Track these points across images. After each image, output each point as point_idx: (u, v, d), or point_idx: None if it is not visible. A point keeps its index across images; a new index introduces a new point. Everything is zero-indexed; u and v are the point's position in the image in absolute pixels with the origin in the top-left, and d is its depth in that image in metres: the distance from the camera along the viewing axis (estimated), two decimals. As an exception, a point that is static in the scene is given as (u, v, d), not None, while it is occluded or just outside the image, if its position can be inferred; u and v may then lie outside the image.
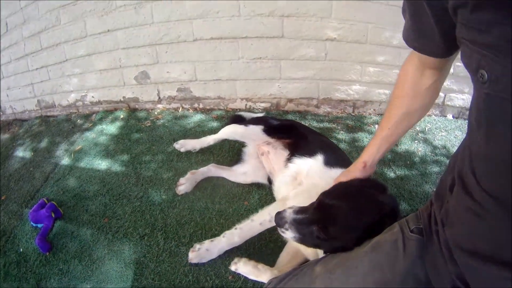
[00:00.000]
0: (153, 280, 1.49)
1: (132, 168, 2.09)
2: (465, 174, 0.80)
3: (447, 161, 2.50)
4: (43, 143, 2.72)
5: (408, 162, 2.41)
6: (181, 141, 2.18)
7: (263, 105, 2.89)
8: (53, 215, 1.75)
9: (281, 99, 2.90)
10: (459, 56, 0.79)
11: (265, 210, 1.60)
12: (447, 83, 3.21)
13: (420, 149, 2.63)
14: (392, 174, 2.21)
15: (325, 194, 1.23)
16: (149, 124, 2.58)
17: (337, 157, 1.82)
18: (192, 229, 1.68)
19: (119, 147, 2.33)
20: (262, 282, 1.41)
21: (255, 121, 2.08)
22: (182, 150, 2.17)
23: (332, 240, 1.17)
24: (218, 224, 1.72)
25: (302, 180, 1.68)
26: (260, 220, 1.55)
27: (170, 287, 1.47)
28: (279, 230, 1.25)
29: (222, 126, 2.42)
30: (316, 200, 1.23)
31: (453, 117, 3.26)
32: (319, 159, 1.75)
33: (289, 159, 1.84)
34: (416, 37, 0.96)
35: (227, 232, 1.56)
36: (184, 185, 1.90)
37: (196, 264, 1.52)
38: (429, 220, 1.02)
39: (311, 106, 2.97)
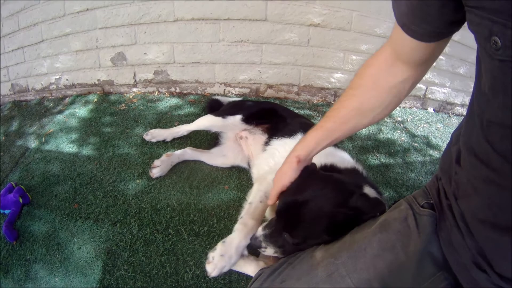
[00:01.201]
0: (127, 271, 1.39)
1: (105, 152, 1.99)
2: (477, 143, 0.75)
3: (431, 152, 2.53)
4: (14, 127, 2.57)
5: (392, 150, 2.40)
6: (151, 131, 2.07)
7: (242, 90, 2.82)
8: (20, 200, 1.64)
9: (261, 84, 2.83)
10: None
11: (254, 189, 1.51)
12: (428, 76, 3.22)
13: (403, 138, 2.63)
14: (376, 162, 2.20)
15: (280, 201, 1.18)
16: (124, 107, 2.47)
17: None
18: (169, 215, 1.60)
19: (91, 131, 2.21)
20: (247, 275, 1.33)
21: (232, 110, 2.01)
22: (153, 141, 2.06)
23: (308, 240, 1.12)
24: (197, 210, 1.65)
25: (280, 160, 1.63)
26: (257, 199, 1.42)
27: (145, 279, 1.37)
28: (260, 251, 1.21)
29: (199, 111, 2.37)
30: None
31: (434, 110, 3.28)
32: (298, 138, 1.71)
33: (267, 143, 1.81)
34: (414, 19, 0.82)
35: (235, 226, 1.33)
36: (158, 167, 1.81)
37: (218, 277, 1.29)
38: (438, 195, 0.96)
39: (292, 93, 2.92)
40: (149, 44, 2.49)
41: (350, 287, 0.93)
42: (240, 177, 1.90)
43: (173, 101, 2.56)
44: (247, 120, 1.94)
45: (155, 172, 1.80)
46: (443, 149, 2.61)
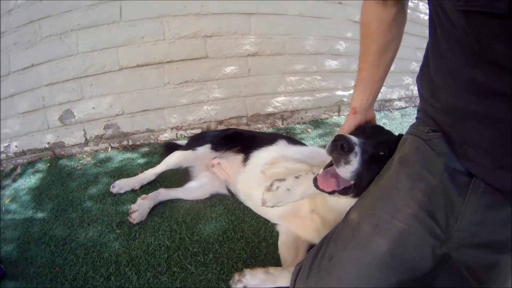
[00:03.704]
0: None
1: (72, 211, 1.77)
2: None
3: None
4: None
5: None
6: (117, 183, 1.92)
7: (194, 131, 2.79)
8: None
9: (211, 122, 2.83)
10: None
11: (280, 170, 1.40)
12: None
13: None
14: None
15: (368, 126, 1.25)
16: (80, 167, 2.28)
17: (295, 141, 1.84)
18: (166, 254, 1.44)
19: (52, 193, 1.98)
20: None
21: (199, 141, 1.97)
22: (122, 192, 1.90)
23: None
24: (194, 242, 1.51)
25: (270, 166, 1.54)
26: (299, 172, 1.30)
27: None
28: (338, 159, 1.04)
29: (156, 160, 2.29)
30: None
31: (375, 111, 3.55)
32: (281, 143, 1.74)
33: (246, 159, 1.78)
34: None
35: (302, 175, 1.25)
36: (137, 211, 1.65)
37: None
38: (436, 123, 1.01)
39: (242, 125, 2.96)
40: (96, 97, 2.38)
41: (400, 227, 0.92)
42: (224, 203, 1.82)
43: (128, 155, 2.42)
44: (216, 147, 1.91)
45: (135, 217, 1.64)
46: None
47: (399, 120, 3.37)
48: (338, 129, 3.01)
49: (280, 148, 1.71)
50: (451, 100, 0.91)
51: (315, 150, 1.66)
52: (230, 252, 1.46)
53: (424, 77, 1.06)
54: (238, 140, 1.94)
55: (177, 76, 2.56)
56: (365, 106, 1.26)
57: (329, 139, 1.22)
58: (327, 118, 3.35)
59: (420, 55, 3.80)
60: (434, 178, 0.94)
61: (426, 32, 3.76)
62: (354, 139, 1.06)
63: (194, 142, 2.01)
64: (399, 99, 3.76)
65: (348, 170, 1.04)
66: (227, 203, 1.82)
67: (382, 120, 3.22)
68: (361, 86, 1.25)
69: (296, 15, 2.89)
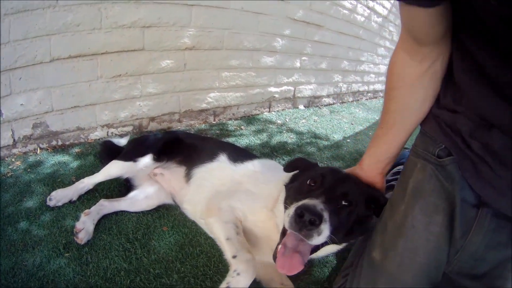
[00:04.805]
0: None
1: (13, 231, 1.50)
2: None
3: (320, 141, 2.88)
4: None
5: (288, 148, 2.62)
6: (54, 194, 1.72)
7: (125, 129, 2.62)
8: None
9: (143, 119, 2.69)
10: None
11: (216, 225, 1.40)
12: (295, 77, 3.64)
13: (291, 137, 2.90)
14: (282, 162, 2.36)
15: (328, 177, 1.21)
16: (10, 174, 1.96)
17: (239, 152, 1.84)
18: (128, 279, 1.33)
19: None
20: None
21: (140, 150, 1.86)
22: (59, 204, 1.71)
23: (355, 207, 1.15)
24: (153, 262, 1.44)
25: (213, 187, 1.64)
26: (232, 232, 1.34)
27: None
28: (309, 235, 1.01)
29: (91, 162, 2.14)
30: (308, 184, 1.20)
31: (304, 107, 3.73)
32: (222, 159, 1.74)
33: (188, 174, 1.77)
34: None
35: (236, 267, 1.18)
36: (83, 230, 1.50)
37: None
38: (448, 136, 1.00)
39: (174, 122, 2.88)
40: (25, 92, 2.00)
41: (423, 262, 0.99)
42: (172, 214, 1.77)
43: (59, 157, 2.15)
44: (158, 157, 1.84)
45: (82, 237, 1.50)
46: (329, 136, 3.09)
47: (328, 117, 3.60)
48: (270, 125, 3.12)
49: (220, 169, 1.71)
50: (478, 104, 0.89)
51: (255, 171, 1.67)
52: (194, 270, 1.44)
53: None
54: (179, 149, 1.88)
55: (111, 69, 2.33)
56: (373, 164, 1.23)
57: (287, 212, 1.10)
58: (258, 114, 3.42)
59: (352, 54, 4.10)
60: (449, 207, 0.97)
61: (360, 32, 4.04)
62: (318, 206, 1.03)
63: (133, 150, 1.91)
64: (328, 96, 4.00)
65: (322, 237, 1.02)
66: (175, 213, 1.78)
67: (312, 116, 3.41)
68: (372, 142, 1.23)
69: (238, 9, 2.85)
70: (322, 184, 1.19)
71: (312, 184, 1.21)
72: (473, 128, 0.91)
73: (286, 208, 1.17)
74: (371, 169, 1.24)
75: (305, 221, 0.99)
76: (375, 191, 1.27)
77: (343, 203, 1.14)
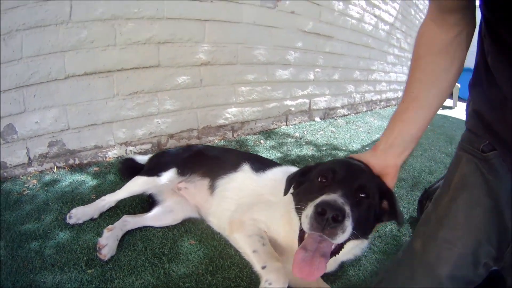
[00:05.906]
0: None
1: (30, 248, 1.46)
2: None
3: (339, 152, 2.79)
4: None
5: (310, 160, 2.55)
6: (74, 212, 1.66)
7: (144, 147, 2.57)
8: None
9: (162, 136, 2.65)
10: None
11: (242, 240, 1.40)
12: (310, 89, 3.60)
13: (311, 148, 2.83)
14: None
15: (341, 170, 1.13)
16: (26, 192, 1.90)
17: (261, 162, 1.80)
18: None
19: (1, 226, 1.61)
20: None
21: (163, 165, 1.82)
22: (80, 222, 1.65)
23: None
24: (183, 276, 1.36)
25: (238, 196, 1.62)
26: (258, 244, 1.34)
27: None
28: (333, 233, 0.94)
29: (111, 180, 2.09)
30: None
31: (320, 119, 3.68)
32: (245, 169, 1.70)
33: (211, 186, 1.73)
34: None
35: (267, 277, 1.17)
36: (106, 246, 1.43)
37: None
38: (493, 132, 1.00)
39: (193, 138, 2.83)
40: (39, 110, 1.98)
41: (460, 253, 0.97)
42: (199, 227, 1.70)
43: (76, 176, 2.10)
44: (182, 171, 1.80)
45: (106, 253, 1.42)
46: (347, 146, 3.01)
47: (344, 127, 3.55)
48: (289, 138, 3.06)
49: (243, 179, 1.67)
50: None
51: (275, 179, 1.60)
52: (226, 282, 1.37)
53: (479, 88, 1.04)
54: (202, 162, 1.84)
55: (127, 86, 2.31)
56: (389, 146, 1.12)
57: (305, 213, 1.01)
58: (276, 128, 3.38)
59: (363, 63, 4.07)
60: (492, 201, 0.97)
61: (369, 41, 4.02)
62: (338, 200, 0.96)
63: (157, 165, 1.85)
64: (342, 107, 3.96)
65: (347, 234, 0.96)
66: (202, 227, 1.71)
67: (329, 128, 3.36)
68: (390, 122, 1.14)
69: (250, 23, 2.85)
70: (334, 178, 1.11)
71: (324, 180, 1.12)
72: None
73: (299, 214, 1.07)
74: (385, 155, 1.13)
75: (328, 219, 0.92)
76: (383, 184, 1.15)
77: (361, 195, 1.07)
